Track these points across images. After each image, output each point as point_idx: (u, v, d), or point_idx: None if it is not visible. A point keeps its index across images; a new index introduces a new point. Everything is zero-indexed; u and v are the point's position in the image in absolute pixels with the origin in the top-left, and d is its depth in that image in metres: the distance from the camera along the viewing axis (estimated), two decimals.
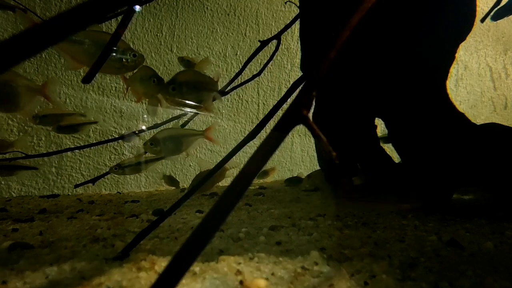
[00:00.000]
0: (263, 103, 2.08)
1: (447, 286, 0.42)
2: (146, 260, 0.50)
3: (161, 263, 0.48)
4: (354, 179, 1.17)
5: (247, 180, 0.30)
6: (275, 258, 0.52)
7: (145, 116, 1.76)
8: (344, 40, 0.37)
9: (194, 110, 1.00)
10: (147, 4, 1.74)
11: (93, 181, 1.23)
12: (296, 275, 0.45)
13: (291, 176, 1.69)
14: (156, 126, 1.24)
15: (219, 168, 0.62)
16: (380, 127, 1.20)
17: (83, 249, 0.59)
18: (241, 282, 0.43)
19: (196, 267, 0.47)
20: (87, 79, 0.51)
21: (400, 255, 0.53)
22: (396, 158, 1.11)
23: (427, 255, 0.53)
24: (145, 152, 1.21)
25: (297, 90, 0.43)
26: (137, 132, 1.32)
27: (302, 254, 0.53)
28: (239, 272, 0.46)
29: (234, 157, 0.63)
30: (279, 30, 1.21)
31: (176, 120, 1.30)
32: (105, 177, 1.33)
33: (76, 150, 1.57)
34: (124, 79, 0.93)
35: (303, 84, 0.35)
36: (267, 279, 0.44)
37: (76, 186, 1.26)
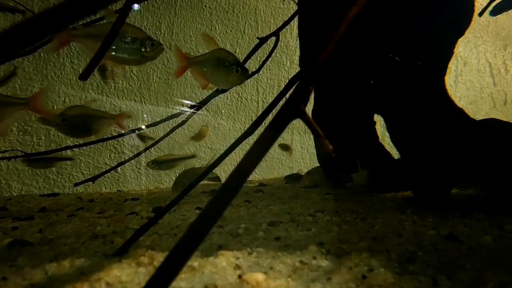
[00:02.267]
0: (263, 101, 2.08)
1: (446, 280, 0.42)
2: (145, 256, 0.50)
3: (160, 259, 0.49)
4: (354, 175, 1.18)
5: (243, 175, 0.30)
6: (273, 253, 0.52)
7: (145, 115, 1.76)
8: (340, 35, 0.37)
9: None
10: (145, 2, 1.74)
11: (93, 179, 1.23)
12: (294, 269, 0.45)
13: (290, 173, 1.69)
14: (155, 124, 1.24)
15: (216, 165, 0.62)
16: (380, 123, 1.20)
17: (82, 246, 0.59)
18: (239, 276, 0.43)
19: (195, 262, 0.47)
20: (84, 76, 0.51)
21: (398, 249, 0.53)
22: (395, 154, 1.11)
23: (426, 249, 0.53)
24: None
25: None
26: (136, 130, 1.32)
27: (301, 249, 0.53)
28: (237, 267, 0.46)
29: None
30: (278, 27, 1.20)
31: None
32: (105, 175, 1.33)
33: (76, 149, 1.57)
34: (182, 56, 0.81)
35: (300, 78, 0.34)
36: (265, 273, 0.44)
37: (76, 184, 1.26)
